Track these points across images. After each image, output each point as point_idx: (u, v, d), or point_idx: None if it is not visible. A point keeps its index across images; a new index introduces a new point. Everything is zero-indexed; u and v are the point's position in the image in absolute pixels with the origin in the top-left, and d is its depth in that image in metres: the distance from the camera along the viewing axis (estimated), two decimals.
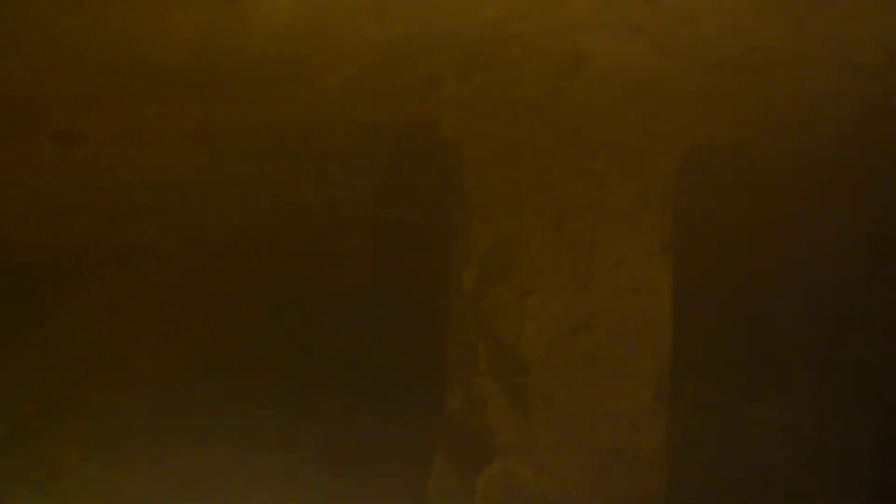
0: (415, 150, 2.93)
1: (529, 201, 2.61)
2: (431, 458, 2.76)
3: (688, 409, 3.79)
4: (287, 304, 3.12)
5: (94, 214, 3.03)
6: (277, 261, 3.16)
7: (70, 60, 2.43)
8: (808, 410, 3.74)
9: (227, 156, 2.99)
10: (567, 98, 2.53)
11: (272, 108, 2.78)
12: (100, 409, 3.03)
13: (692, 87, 2.54)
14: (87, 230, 3.06)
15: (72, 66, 2.45)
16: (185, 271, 3.14)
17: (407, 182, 3.06)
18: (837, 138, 2.68)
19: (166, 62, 2.43)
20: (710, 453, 3.82)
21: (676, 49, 2.38)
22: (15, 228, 2.96)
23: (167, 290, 3.13)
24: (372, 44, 2.36)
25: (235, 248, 3.14)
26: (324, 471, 3.03)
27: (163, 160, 2.94)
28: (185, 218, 3.09)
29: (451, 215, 2.73)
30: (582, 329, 2.61)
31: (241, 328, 3.13)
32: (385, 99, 2.68)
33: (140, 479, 3.00)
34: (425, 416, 2.85)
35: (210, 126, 2.86)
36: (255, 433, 3.07)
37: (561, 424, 2.63)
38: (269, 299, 3.11)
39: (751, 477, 3.77)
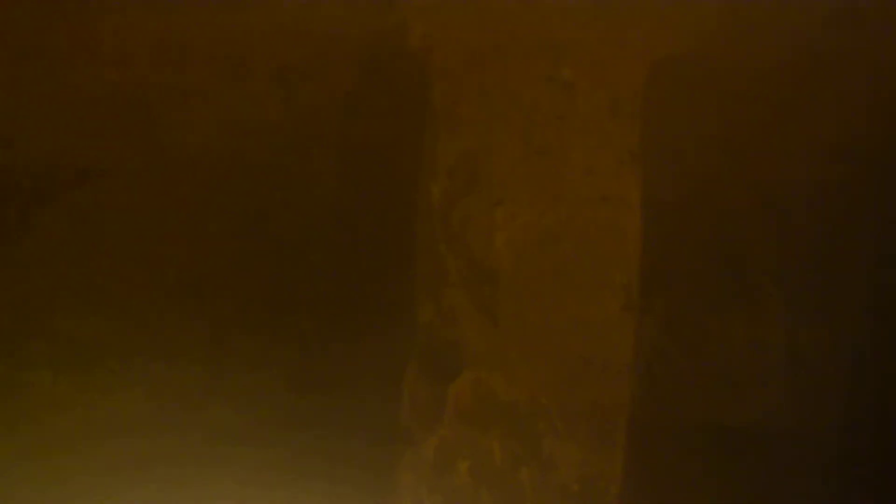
0: (381, 63, 2.90)
1: (498, 111, 2.60)
2: (403, 371, 2.78)
3: (657, 323, 3.84)
4: (255, 223, 3.10)
5: (58, 135, 2.99)
6: (244, 179, 3.13)
7: None
8: (777, 324, 3.80)
9: (189, 72, 2.94)
10: (536, 5, 2.50)
11: (232, 22, 2.73)
12: (69, 331, 3.02)
13: None
14: (50, 151, 3.01)
15: None
16: (152, 191, 3.11)
17: (374, 95, 3.03)
18: (804, 45, 2.68)
19: None
20: (679, 365, 3.88)
21: None
22: None
23: (133, 211, 3.10)
24: None
25: (202, 166, 3.10)
26: (295, 389, 3.04)
27: (125, 76, 2.89)
28: (150, 137, 3.05)
29: (419, 127, 2.72)
30: (552, 239, 2.62)
31: (210, 248, 3.11)
32: (349, 10, 2.64)
33: (112, 402, 3.00)
34: (397, 331, 2.87)
35: (170, 40, 2.81)
36: (225, 353, 3.07)
37: (531, 334, 2.66)
38: (238, 218, 3.09)
39: (718, 389, 3.84)
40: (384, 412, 2.85)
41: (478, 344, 2.66)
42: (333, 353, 3.02)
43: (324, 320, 3.05)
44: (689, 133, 3.58)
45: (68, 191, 3.05)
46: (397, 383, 2.78)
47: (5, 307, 2.98)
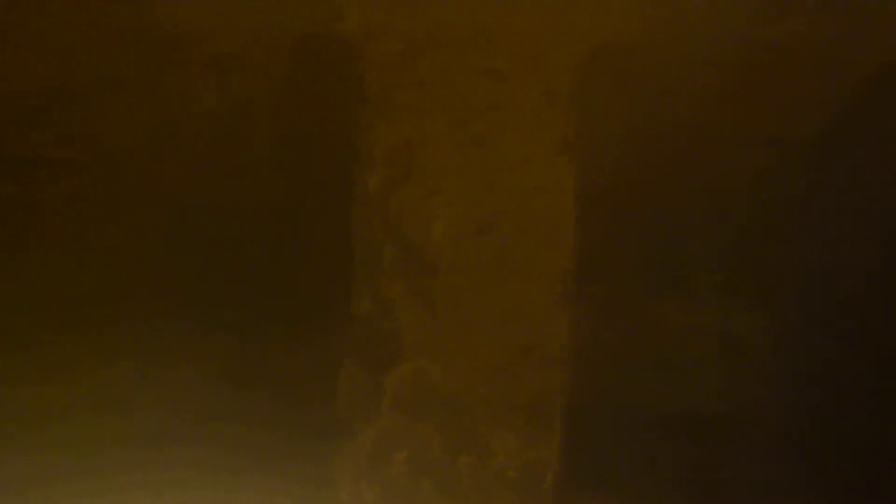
0: (317, 51, 2.87)
1: (433, 101, 2.60)
2: (341, 363, 2.77)
3: (596, 310, 3.88)
4: (192, 215, 3.05)
5: None
6: (181, 170, 3.08)
7: None
8: (711, 310, 3.86)
9: (122, 61, 2.89)
10: None
11: (165, 9, 2.69)
12: None
13: None
14: None
15: None
16: (85, 182, 3.05)
17: (309, 84, 3.00)
18: (740, 35, 2.71)
19: None
20: (616, 352, 3.92)
21: None
22: None
23: (65, 202, 3.04)
24: None
25: (137, 157, 3.05)
26: (231, 383, 3.01)
27: (55, 64, 2.83)
28: (83, 126, 2.99)
29: (355, 117, 2.70)
30: (488, 229, 2.63)
31: (144, 240, 3.06)
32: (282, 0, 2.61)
33: (45, 402, 2.95)
34: (334, 322, 2.85)
35: (101, 29, 2.75)
36: (159, 348, 3.03)
37: (468, 324, 2.67)
38: (174, 210, 3.05)
39: (655, 374, 3.89)
40: (321, 404, 2.83)
41: (415, 334, 2.66)
42: (270, 345, 2.99)
43: (260, 313, 3.02)
44: (624, 122, 3.61)
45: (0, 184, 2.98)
46: (334, 375, 2.78)
47: None
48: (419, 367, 2.69)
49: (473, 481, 2.68)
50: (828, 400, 3.79)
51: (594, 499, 3.09)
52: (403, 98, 2.59)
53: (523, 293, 2.66)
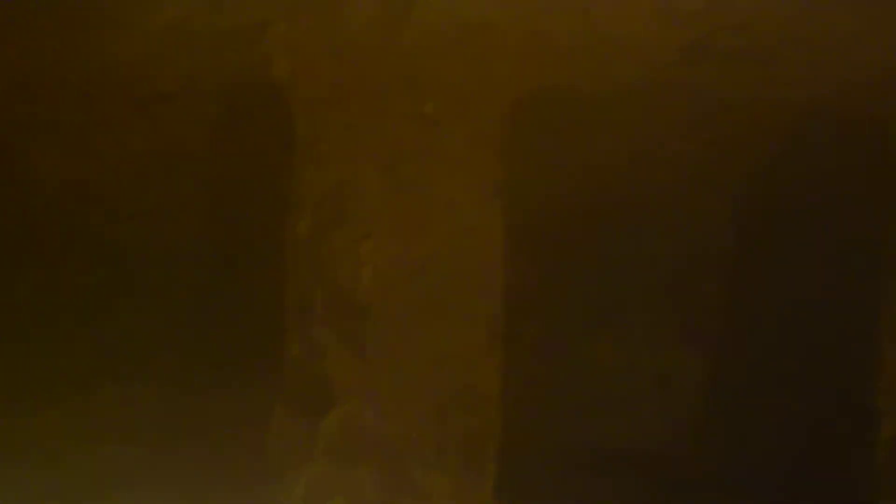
0: (247, 95, 2.87)
1: (363, 145, 2.61)
2: (271, 408, 2.74)
3: (528, 351, 3.89)
4: (116, 259, 3.01)
5: None
6: (108, 214, 3.05)
7: None
8: (643, 347, 3.90)
9: (45, 104, 2.86)
10: (397, 41, 2.52)
11: (91, 52, 2.67)
12: None
13: (524, 29, 2.57)
14: None
15: None
16: (7, 226, 3.00)
17: (240, 128, 2.99)
18: (660, 82, 2.78)
19: None
20: (549, 392, 3.94)
21: None
22: None
23: None
24: None
25: (60, 201, 3.01)
26: (158, 431, 2.96)
27: None
28: (8, 170, 2.94)
29: (284, 162, 2.70)
30: (418, 273, 2.63)
31: (67, 285, 3.01)
32: (213, 42, 2.61)
33: None
34: (264, 367, 2.83)
35: (25, 71, 2.72)
36: (87, 396, 2.97)
37: (400, 367, 2.66)
38: (96, 254, 3.00)
39: (589, 414, 3.92)
40: (253, 451, 2.80)
41: (346, 379, 2.65)
42: (198, 392, 2.95)
43: (189, 359, 2.98)
44: (553, 166, 3.66)
45: None
46: (265, 422, 2.75)
47: None
48: (351, 411, 2.67)
49: None
50: (759, 437, 3.85)
51: None
52: (332, 143, 2.59)
53: (455, 335, 2.66)
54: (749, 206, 3.81)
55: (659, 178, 3.78)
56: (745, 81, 2.70)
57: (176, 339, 3.00)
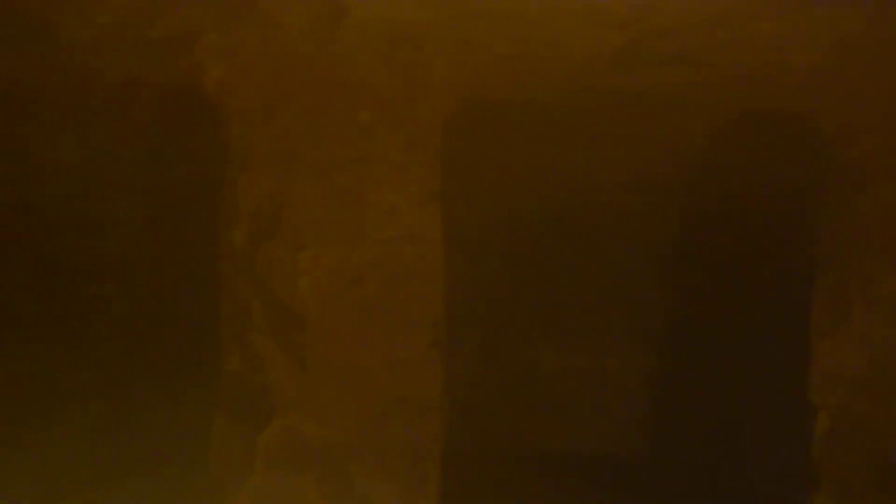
0: (179, 106, 2.83)
1: (298, 154, 2.58)
2: (212, 421, 2.71)
3: (470, 356, 3.90)
4: (50, 272, 2.95)
5: None
6: (40, 225, 2.99)
7: None
8: (583, 351, 3.94)
9: None
10: (330, 49, 2.50)
11: (18, 65, 2.61)
12: None
13: (459, 36, 2.57)
14: None
15: None
16: None
17: (174, 139, 2.96)
18: (594, 86, 2.80)
19: None
20: (494, 396, 3.95)
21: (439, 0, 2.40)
22: None
23: None
24: None
25: None
26: (98, 446, 2.91)
27: None
28: None
29: (219, 171, 2.66)
30: (357, 281, 2.61)
31: (3, 302, 2.94)
32: (144, 52, 2.57)
33: None
34: (204, 380, 2.79)
35: None
36: (27, 411, 2.91)
37: (341, 376, 2.64)
38: (30, 267, 2.94)
39: (533, 415, 3.94)
40: (194, 465, 2.76)
41: (286, 389, 2.62)
42: (137, 407, 2.91)
43: (126, 374, 2.93)
44: (491, 172, 3.67)
45: None
46: (206, 435, 2.71)
47: None
48: (291, 422, 2.64)
49: None
50: (699, 436, 3.90)
51: None
52: (267, 152, 2.56)
53: (395, 343, 2.65)
54: (685, 207, 3.87)
55: (596, 181, 3.82)
56: (675, 84, 2.73)
57: (111, 352, 2.95)
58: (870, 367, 2.50)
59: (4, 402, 2.89)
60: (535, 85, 2.77)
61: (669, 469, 3.74)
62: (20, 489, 2.78)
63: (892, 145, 2.52)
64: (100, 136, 2.95)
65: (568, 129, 3.38)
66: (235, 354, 2.64)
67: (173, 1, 2.35)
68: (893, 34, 2.47)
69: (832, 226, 2.58)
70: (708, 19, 2.31)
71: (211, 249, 2.72)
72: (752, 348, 3.58)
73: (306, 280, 2.59)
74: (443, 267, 2.67)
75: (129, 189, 2.99)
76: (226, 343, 2.65)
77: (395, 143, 2.61)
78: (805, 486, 2.57)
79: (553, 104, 3.13)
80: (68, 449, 2.89)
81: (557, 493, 3.45)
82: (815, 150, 2.63)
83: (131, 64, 2.68)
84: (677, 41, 2.45)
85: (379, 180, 2.61)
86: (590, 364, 3.88)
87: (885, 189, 2.53)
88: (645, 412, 3.88)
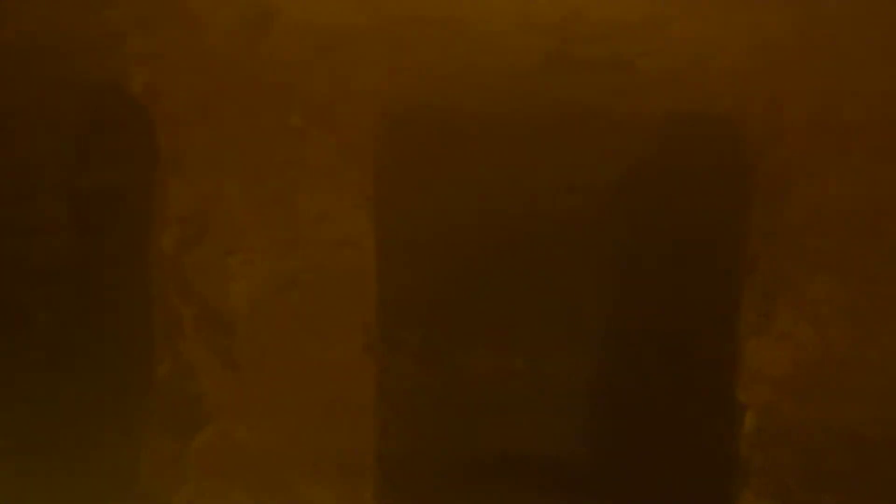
0: (107, 109, 2.79)
1: (228, 158, 2.56)
2: (143, 430, 2.67)
3: (406, 359, 3.90)
4: None
5: None
6: None
7: None
8: (519, 352, 3.96)
9: None
10: (259, 52, 2.49)
11: None
12: None
13: (390, 39, 2.57)
14: None
15: None
16: None
17: (102, 142, 2.91)
18: (525, 90, 2.82)
19: None
20: (430, 399, 3.95)
21: (370, 2, 2.40)
22: None
23: None
24: None
25: None
26: (25, 456, 2.85)
27: None
28: None
29: (147, 175, 2.63)
30: (289, 286, 2.61)
31: None
32: (67, 55, 2.53)
33: None
34: (134, 388, 2.75)
35: None
36: None
37: (274, 382, 2.63)
38: None
39: (469, 418, 3.95)
40: (125, 475, 2.72)
41: (218, 396, 2.60)
42: (66, 415, 2.85)
43: (55, 380, 2.88)
44: (424, 175, 3.67)
45: None
46: (137, 443, 2.67)
47: None
48: (224, 428, 2.63)
49: None
50: (635, 436, 3.94)
51: None
52: (196, 156, 2.54)
53: (329, 347, 2.64)
54: (616, 210, 3.92)
55: (533, 185, 3.85)
56: (604, 89, 2.77)
57: (39, 360, 2.89)
58: (794, 366, 2.56)
59: None
60: (468, 90, 2.78)
61: (606, 469, 3.77)
62: None
63: (816, 148, 2.58)
64: (24, 139, 2.89)
65: (502, 134, 3.39)
66: (166, 362, 2.61)
67: (98, 4, 2.32)
68: (817, 36, 2.53)
69: (758, 227, 2.64)
70: (634, 24, 2.35)
71: (140, 255, 2.68)
72: (685, 349, 3.64)
73: (237, 285, 2.58)
74: (376, 271, 2.68)
75: (55, 194, 2.94)
76: (156, 350, 2.63)
77: (328, 148, 2.61)
78: (735, 483, 2.62)
79: (486, 109, 3.15)
80: None
81: (494, 496, 3.47)
82: (741, 152, 2.68)
83: (57, 66, 2.64)
84: (605, 46, 2.48)
85: (311, 185, 2.60)
86: (527, 366, 3.90)
87: (809, 191, 2.59)
88: (581, 414, 3.92)
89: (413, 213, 3.69)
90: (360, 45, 2.56)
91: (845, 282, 2.55)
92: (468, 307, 3.96)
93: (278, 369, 2.60)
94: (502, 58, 2.62)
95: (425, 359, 3.97)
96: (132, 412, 2.71)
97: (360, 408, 2.70)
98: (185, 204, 2.55)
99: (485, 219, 3.92)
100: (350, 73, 2.60)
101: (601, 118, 3.32)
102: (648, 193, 3.79)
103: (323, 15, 2.43)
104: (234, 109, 2.54)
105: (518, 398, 4.02)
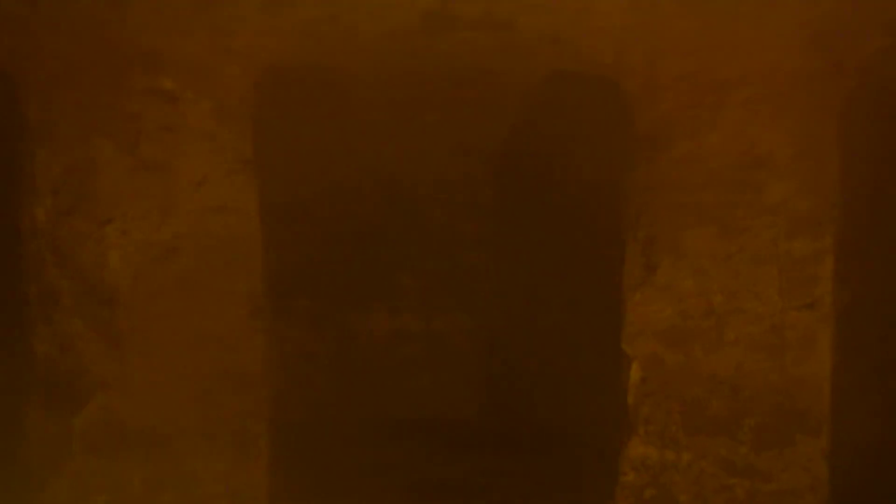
0: None
1: (100, 125, 2.48)
2: (25, 409, 2.59)
3: (302, 325, 3.87)
4: None
5: None
6: None
7: None
8: (416, 314, 3.97)
9: None
10: (128, 14, 2.41)
11: None
12: None
13: (261, 0, 2.50)
14: None
15: None
16: None
17: None
18: (405, 50, 2.79)
19: None
20: (325, 364, 3.93)
21: None
22: None
23: None
24: None
25: None
26: None
27: None
28: None
29: (16, 146, 2.53)
30: (169, 254, 2.54)
31: None
32: None
33: None
34: (13, 366, 2.66)
35: None
36: None
37: (158, 353, 2.57)
38: None
39: (365, 382, 3.94)
40: (6, 456, 2.63)
41: (101, 370, 2.53)
42: None
43: None
44: (307, 137, 3.62)
45: None
46: (17, 423, 2.59)
47: None
48: (108, 403, 2.56)
49: None
50: (526, 391, 4.00)
51: None
52: (67, 123, 2.45)
53: (212, 316, 2.59)
54: (502, 170, 3.94)
55: (421, 147, 3.83)
56: (485, 48, 2.75)
57: None
58: (676, 317, 2.61)
59: None
60: (346, 49, 2.74)
61: (499, 424, 3.82)
62: None
63: (692, 104, 2.62)
64: None
65: (384, 94, 3.36)
66: (45, 336, 2.53)
67: None
68: None
69: (639, 182, 2.67)
70: None
71: (12, 227, 2.58)
72: (573, 304, 3.70)
73: (115, 255, 2.50)
74: (260, 236, 2.63)
75: None
76: (34, 325, 2.54)
77: (203, 111, 2.54)
78: (622, 432, 2.67)
79: (368, 69, 3.11)
80: None
81: (391, 457, 3.48)
82: (621, 109, 2.71)
83: None
84: (483, 4, 2.47)
85: (187, 150, 2.53)
86: (419, 327, 3.91)
87: (687, 147, 2.63)
88: (473, 371, 3.95)
89: (297, 175, 3.63)
90: (234, 6, 2.49)
91: (723, 234, 2.61)
92: (359, 270, 3.94)
93: (163, 341, 2.54)
94: (381, 17, 2.58)
95: (317, 324, 3.95)
96: (11, 390, 2.62)
97: (250, 376, 2.66)
98: (56, 174, 2.46)
99: (371, 181, 3.89)
100: (225, 36, 2.52)
101: (482, 78, 3.32)
102: (532, 153, 3.81)
103: None
104: (104, 75, 2.45)
105: (410, 358, 4.03)
